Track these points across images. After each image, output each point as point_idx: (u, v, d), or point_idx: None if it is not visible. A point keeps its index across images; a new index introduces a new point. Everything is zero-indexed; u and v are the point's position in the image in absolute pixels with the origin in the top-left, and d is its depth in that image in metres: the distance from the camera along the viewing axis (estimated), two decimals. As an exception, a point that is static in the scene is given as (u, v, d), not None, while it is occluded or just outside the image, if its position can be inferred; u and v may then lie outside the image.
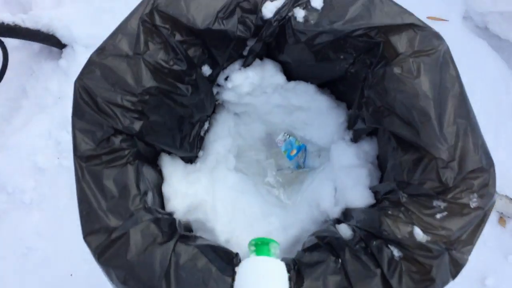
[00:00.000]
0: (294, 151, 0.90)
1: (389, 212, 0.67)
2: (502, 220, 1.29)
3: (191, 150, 0.80)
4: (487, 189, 0.64)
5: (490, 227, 1.31)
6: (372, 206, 0.75)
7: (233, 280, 0.63)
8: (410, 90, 0.65)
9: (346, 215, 0.79)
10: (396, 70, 0.66)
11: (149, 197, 0.69)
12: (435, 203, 0.64)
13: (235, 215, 0.87)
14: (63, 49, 1.45)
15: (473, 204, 0.63)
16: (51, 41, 1.41)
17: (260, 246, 0.47)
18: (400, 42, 0.67)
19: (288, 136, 0.91)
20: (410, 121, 0.65)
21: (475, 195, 0.64)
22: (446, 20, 1.51)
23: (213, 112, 0.88)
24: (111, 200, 0.63)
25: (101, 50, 0.66)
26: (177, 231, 0.66)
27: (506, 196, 1.26)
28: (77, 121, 0.64)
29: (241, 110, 0.88)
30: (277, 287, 0.45)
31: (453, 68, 0.67)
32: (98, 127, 0.64)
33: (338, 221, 0.81)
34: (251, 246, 0.48)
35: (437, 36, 0.68)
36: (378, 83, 0.69)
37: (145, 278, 0.61)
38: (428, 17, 1.49)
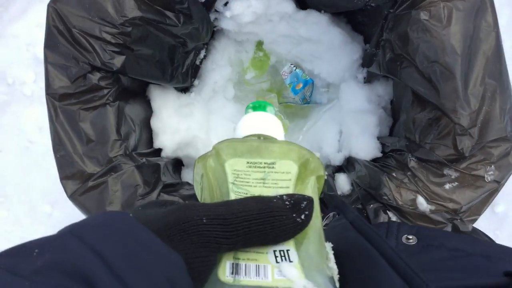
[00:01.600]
0: (300, 85, 0.82)
1: (394, 174, 0.62)
2: None
3: (184, 81, 0.73)
4: (507, 160, 0.58)
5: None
6: (377, 159, 0.69)
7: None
8: (437, 41, 0.56)
9: (348, 164, 0.74)
10: (423, 15, 0.56)
11: (132, 139, 0.63)
12: (446, 171, 0.59)
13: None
14: None
15: (489, 177, 0.58)
16: None
17: (257, 107, 0.44)
18: (433, -20, 0.56)
19: (294, 68, 0.82)
20: (431, 77, 0.57)
21: (493, 167, 0.58)
22: None
23: (212, 38, 0.79)
24: (88, 144, 0.58)
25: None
26: (161, 180, 0.62)
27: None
28: (49, 53, 0.57)
29: (242, 38, 0.79)
30: (275, 130, 0.42)
31: (491, 13, 0.57)
32: (73, 62, 0.57)
33: (339, 168, 0.76)
34: (248, 110, 0.45)
35: (478, -27, 0.57)
36: (400, 27, 0.59)
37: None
38: None
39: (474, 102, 0.55)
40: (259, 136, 0.41)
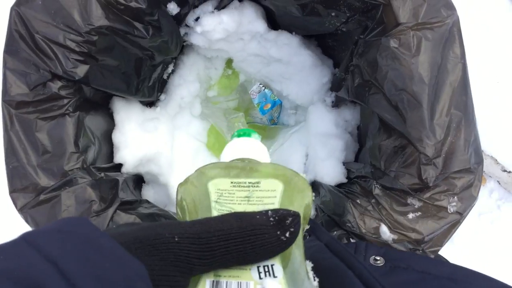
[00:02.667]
0: (269, 105, 0.82)
1: (358, 201, 0.61)
2: (483, 178, 1.25)
3: (150, 94, 0.72)
4: (469, 192, 0.59)
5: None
6: (342, 185, 0.69)
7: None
8: (405, 70, 0.56)
9: (313, 189, 0.73)
10: (393, 43, 0.57)
11: (91, 153, 0.61)
12: (410, 200, 0.59)
13: (194, 169, 0.80)
14: None
15: (451, 209, 0.58)
16: None
17: (242, 134, 0.43)
18: (403, 9, 0.57)
19: (263, 88, 0.82)
20: (398, 105, 0.57)
21: (456, 198, 0.58)
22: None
23: (181, 52, 0.78)
24: (43, 155, 0.56)
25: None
26: (118, 196, 0.60)
27: (491, 157, 1.21)
28: (9, 58, 0.55)
29: (212, 54, 0.78)
30: (261, 154, 0.41)
31: (458, 45, 0.58)
32: (34, 69, 0.55)
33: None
34: (233, 137, 0.43)
35: (448, 5, 0.59)
36: (370, 53, 0.60)
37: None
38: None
39: (440, 132, 0.56)
40: (243, 160, 0.40)
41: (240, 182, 0.35)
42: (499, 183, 1.24)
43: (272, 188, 0.34)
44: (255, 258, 0.28)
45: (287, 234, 0.28)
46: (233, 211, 0.32)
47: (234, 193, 0.34)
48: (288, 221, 0.28)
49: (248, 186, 0.34)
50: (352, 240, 0.59)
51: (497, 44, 1.18)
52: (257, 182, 0.34)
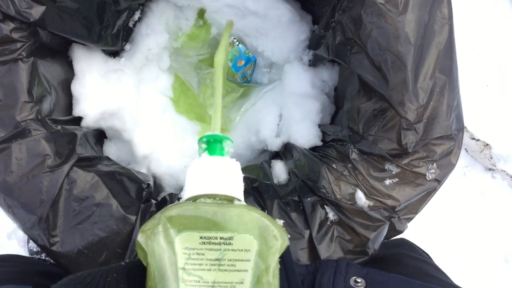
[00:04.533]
0: (242, 62, 0.78)
1: (333, 166, 0.59)
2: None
3: (113, 43, 0.66)
4: (449, 159, 0.57)
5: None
6: (317, 148, 0.66)
7: (136, 220, 0.54)
8: (391, 28, 0.53)
9: (286, 151, 0.70)
10: (380, -1, 0.52)
11: (47, 103, 0.56)
12: (387, 166, 0.57)
13: (160, 126, 0.75)
14: None
15: (430, 176, 0.56)
16: None
17: (213, 144, 0.39)
18: (392, -38, 0.52)
19: (237, 43, 0.77)
20: (382, 66, 0.54)
21: (435, 165, 0.56)
22: None
23: (148, -1, 0.72)
24: (-7, 104, 0.50)
25: None
26: (75, 152, 0.55)
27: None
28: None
29: (183, 3, 0.73)
30: (234, 186, 0.37)
31: (446, 5, 0.55)
32: (-19, 7, 0.49)
33: (276, 154, 0.72)
34: (201, 144, 0.39)
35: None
36: (354, 9, 0.56)
37: (27, 206, 0.51)
38: None
39: (423, 96, 0.53)
40: (214, 197, 0.36)
41: (210, 237, 0.32)
42: (467, 151, 1.25)
43: (245, 247, 0.32)
44: None
45: None
46: (202, 280, 0.30)
47: (204, 253, 0.31)
48: None
49: (220, 243, 0.32)
50: (326, 208, 0.57)
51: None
52: (230, 238, 0.32)
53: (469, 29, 1.15)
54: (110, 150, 0.72)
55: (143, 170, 0.72)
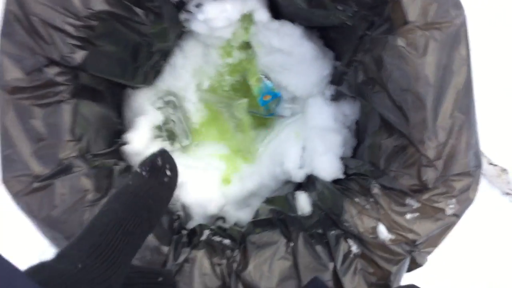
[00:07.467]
0: (269, 97, 0.81)
1: (356, 199, 0.61)
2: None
3: (144, 80, 0.69)
4: (467, 194, 0.59)
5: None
6: (338, 181, 0.68)
7: (169, 250, 0.57)
8: (411, 70, 0.55)
9: (308, 182, 0.72)
10: (400, 42, 0.56)
11: (86, 140, 0.59)
12: (408, 201, 0.59)
13: (188, 156, 0.79)
14: None
15: (449, 211, 0.58)
16: None
17: None
18: (412, 7, 0.56)
19: (265, 79, 0.80)
20: (402, 105, 0.56)
21: (454, 200, 0.58)
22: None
23: (179, 38, 0.75)
24: (38, 143, 0.55)
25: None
26: (113, 186, 0.58)
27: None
28: (5, 42, 0.53)
29: (212, 42, 0.76)
30: None
31: (464, 46, 0.57)
32: (29, 54, 0.53)
33: (299, 185, 0.74)
34: None
35: (457, 5, 0.57)
36: (376, 50, 0.59)
37: (70, 238, 0.54)
38: None
39: (442, 134, 0.55)
40: None
41: None
42: (484, 176, 1.26)
43: None
44: None
45: (168, 173, 0.27)
46: None
47: None
48: (159, 162, 0.27)
49: None
50: (349, 241, 0.59)
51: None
52: None
53: (485, 59, 1.17)
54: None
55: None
